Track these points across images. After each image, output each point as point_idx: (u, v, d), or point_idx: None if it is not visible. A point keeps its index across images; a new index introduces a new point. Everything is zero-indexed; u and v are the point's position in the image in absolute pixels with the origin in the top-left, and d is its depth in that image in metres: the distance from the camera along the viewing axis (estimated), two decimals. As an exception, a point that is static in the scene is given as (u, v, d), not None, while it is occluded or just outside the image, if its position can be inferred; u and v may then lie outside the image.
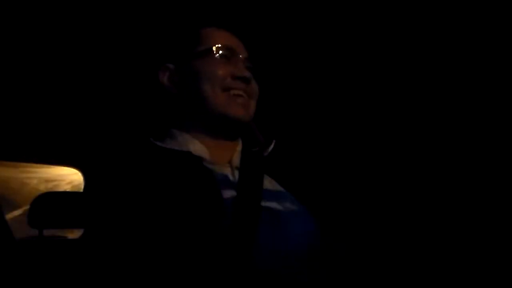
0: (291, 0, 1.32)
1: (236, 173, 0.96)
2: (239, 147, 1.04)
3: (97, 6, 1.22)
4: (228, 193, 0.89)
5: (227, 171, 0.96)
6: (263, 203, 0.90)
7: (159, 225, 0.82)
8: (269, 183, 0.97)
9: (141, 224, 0.83)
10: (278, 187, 0.99)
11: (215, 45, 1.00)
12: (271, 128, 1.15)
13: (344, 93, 1.52)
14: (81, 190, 1.99)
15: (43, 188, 3.82)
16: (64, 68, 1.50)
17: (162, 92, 1.04)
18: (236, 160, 1.00)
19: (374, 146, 1.45)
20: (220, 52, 1.00)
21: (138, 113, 0.89)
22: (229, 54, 1.01)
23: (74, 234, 2.20)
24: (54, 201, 1.80)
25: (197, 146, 0.98)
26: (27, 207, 1.93)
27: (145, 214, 0.83)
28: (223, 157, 0.99)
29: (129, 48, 1.35)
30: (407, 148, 1.39)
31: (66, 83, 1.59)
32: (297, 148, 1.22)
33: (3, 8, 1.21)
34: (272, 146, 1.06)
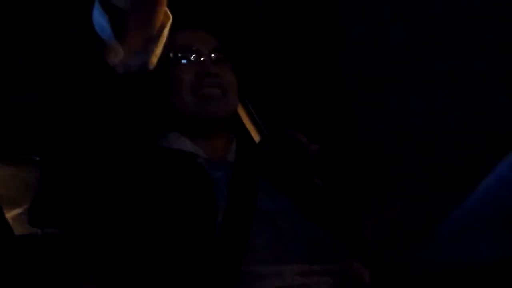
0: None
1: (231, 171, 0.96)
2: (233, 146, 1.04)
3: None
4: (221, 191, 0.90)
5: (221, 169, 0.96)
6: (257, 203, 0.91)
7: (150, 222, 0.84)
8: (264, 182, 0.98)
9: (133, 220, 0.84)
10: (273, 186, 0.99)
11: (171, 51, 0.98)
12: (267, 126, 1.16)
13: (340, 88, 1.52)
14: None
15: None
16: (59, 72, 1.51)
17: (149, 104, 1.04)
18: (231, 158, 1.00)
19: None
20: (179, 55, 0.99)
21: (131, 117, 0.89)
22: (190, 53, 0.99)
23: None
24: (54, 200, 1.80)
25: (188, 145, 0.98)
26: (27, 205, 1.93)
27: (136, 211, 0.84)
28: (217, 156, 0.99)
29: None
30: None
31: (64, 84, 1.60)
32: (293, 146, 1.22)
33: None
34: (268, 145, 1.06)
